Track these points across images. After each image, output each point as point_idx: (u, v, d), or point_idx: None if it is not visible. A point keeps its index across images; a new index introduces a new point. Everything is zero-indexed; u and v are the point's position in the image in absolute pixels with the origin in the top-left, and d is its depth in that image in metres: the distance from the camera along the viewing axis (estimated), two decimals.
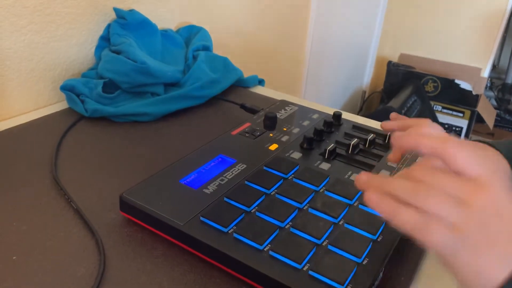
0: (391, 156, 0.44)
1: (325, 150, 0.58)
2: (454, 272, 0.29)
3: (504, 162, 0.42)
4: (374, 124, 0.73)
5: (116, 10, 0.80)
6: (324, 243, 0.43)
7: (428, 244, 0.29)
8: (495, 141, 0.46)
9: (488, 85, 2.42)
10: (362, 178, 0.33)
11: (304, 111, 0.72)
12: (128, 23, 0.79)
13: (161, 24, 0.91)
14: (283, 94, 0.87)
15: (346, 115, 0.73)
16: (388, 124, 0.48)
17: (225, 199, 0.48)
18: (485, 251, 0.27)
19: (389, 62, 2.30)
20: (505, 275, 0.27)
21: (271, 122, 0.64)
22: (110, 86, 0.74)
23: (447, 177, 0.29)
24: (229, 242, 0.42)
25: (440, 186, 0.29)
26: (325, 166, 0.56)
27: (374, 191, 0.31)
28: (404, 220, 0.29)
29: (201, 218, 0.45)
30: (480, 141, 0.46)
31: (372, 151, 0.60)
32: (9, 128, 0.67)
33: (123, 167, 0.59)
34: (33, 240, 0.45)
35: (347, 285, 0.38)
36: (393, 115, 0.50)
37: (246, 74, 0.91)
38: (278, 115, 0.69)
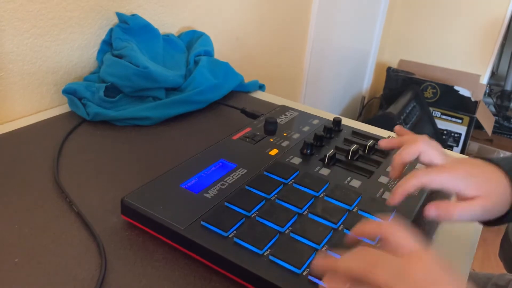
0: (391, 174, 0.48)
1: (325, 155, 0.58)
2: None
3: (501, 181, 0.43)
4: (374, 130, 0.74)
5: (118, 14, 0.81)
6: (324, 249, 0.43)
7: None
8: (499, 157, 0.46)
9: (487, 91, 2.43)
10: (318, 263, 0.36)
11: (304, 117, 0.72)
12: (130, 27, 0.80)
13: (163, 29, 0.91)
14: (283, 99, 0.87)
15: (345, 121, 0.73)
16: (385, 142, 0.50)
17: (226, 203, 0.48)
18: None
19: (389, 68, 2.31)
20: None
21: (271, 127, 0.65)
22: (112, 90, 0.75)
23: (385, 255, 0.34)
24: (229, 247, 0.43)
25: (384, 263, 0.33)
26: (325, 171, 0.56)
27: (330, 279, 0.35)
28: None
29: (202, 223, 0.45)
30: (483, 157, 0.46)
31: (371, 157, 0.60)
32: (11, 131, 0.67)
33: (124, 170, 0.60)
34: (34, 243, 0.46)
35: None
36: (397, 128, 0.51)
37: (246, 79, 0.91)
38: (279, 120, 0.70)
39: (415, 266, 0.33)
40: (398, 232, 0.35)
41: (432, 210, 0.42)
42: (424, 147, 0.45)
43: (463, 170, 0.43)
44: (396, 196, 0.43)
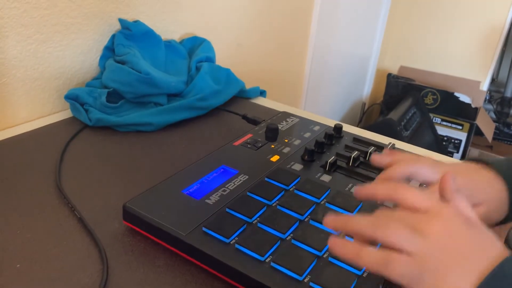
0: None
1: (326, 162, 0.59)
2: None
3: (498, 186, 0.43)
4: (375, 136, 0.74)
5: (121, 21, 0.81)
6: (325, 255, 0.43)
7: (394, 278, 0.31)
8: (496, 159, 0.46)
9: (487, 98, 2.43)
10: (329, 219, 0.35)
11: (305, 123, 0.72)
12: (132, 34, 0.80)
13: (165, 35, 0.92)
14: (284, 106, 0.88)
15: (346, 127, 0.74)
16: (378, 158, 0.47)
17: (227, 210, 0.48)
18: (446, 272, 0.29)
19: (389, 75, 2.31)
20: None
21: (272, 134, 0.65)
22: (114, 96, 0.75)
23: (402, 212, 0.32)
24: (230, 253, 0.43)
25: (397, 220, 0.32)
26: (326, 178, 0.57)
27: (336, 238, 0.33)
28: (367, 261, 0.31)
29: (203, 229, 0.45)
30: (478, 159, 0.46)
31: (372, 164, 0.60)
32: (13, 136, 0.67)
33: (126, 176, 0.60)
34: (36, 248, 0.46)
35: None
36: (386, 152, 0.50)
37: (248, 86, 0.92)
38: (280, 127, 0.70)
39: (433, 221, 0.30)
40: (409, 194, 0.33)
41: None
42: (413, 169, 0.43)
43: (458, 182, 0.42)
44: (363, 192, 0.39)
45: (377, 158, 0.47)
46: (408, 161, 0.44)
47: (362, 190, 0.37)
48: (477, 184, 0.43)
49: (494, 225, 0.45)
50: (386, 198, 0.35)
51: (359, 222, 0.33)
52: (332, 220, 0.35)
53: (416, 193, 0.33)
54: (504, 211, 0.43)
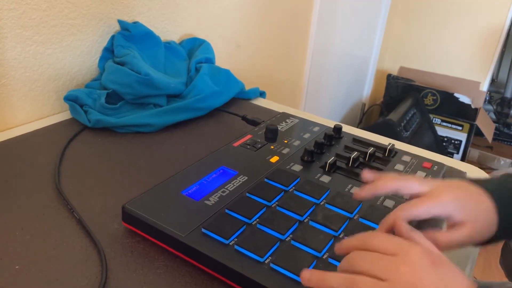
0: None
1: (326, 163, 0.59)
2: None
3: (487, 204, 0.43)
4: (374, 137, 0.74)
5: (120, 22, 0.81)
6: (325, 256, 0.43)
7: None
8: (486, 179, 0.46)
9: (487, 98, 2.43)
10: (305, 276, 0.36)
11: (305, 124, 0.72)
12: (132, 35, 0.80)
13: (164, 36, 0.92)
14: (284, 107, 0.88)
15: (346, 128, 0.73)
16: (359, 194, 0.46)
17: (227, 211, 0.48)
18: None
19: (389, 75, 2.31)
20: None
21: (272, 135, 0.65)
22: (113, 97, 0.75)
23: (374, 256, 0.34)
24: (230, 254, 0.43)
25: (369, 270, 0.33)
26: (325, 179, 0.57)
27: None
28: None
29: (203, 230, 0.45)
30: (468, 179, 0.46)
31: (372, 165, 0.60)
32: (13, 137, 0.67)
33: (125, 177, 0.60)
34: (36, 250, 0.46)
35: None
36: (364, 173, 0.47)
37: (247, 87, 0.92)
38: (279, 128, 0.70)
39: (401, 267, 0.33)
40: (380, 240, 0.35)
41: None
42: (400, 182, 0.44)
43: (450, 194, 0.42)
44: (363, 192, 0.44)
45: (367, 174, 0.47)
46: (395, 177, 0.45)
47: (338, 245, 0.39)
48: (467, 198, 0.43)
49: (481, 244, 0.45)
50: (360, 248, 0.37)
51: (335, 281, 0.34)
52: (308, 277, 0.36)
53: (383, 240, 0.35)
54: (491, 231, 0.43)
